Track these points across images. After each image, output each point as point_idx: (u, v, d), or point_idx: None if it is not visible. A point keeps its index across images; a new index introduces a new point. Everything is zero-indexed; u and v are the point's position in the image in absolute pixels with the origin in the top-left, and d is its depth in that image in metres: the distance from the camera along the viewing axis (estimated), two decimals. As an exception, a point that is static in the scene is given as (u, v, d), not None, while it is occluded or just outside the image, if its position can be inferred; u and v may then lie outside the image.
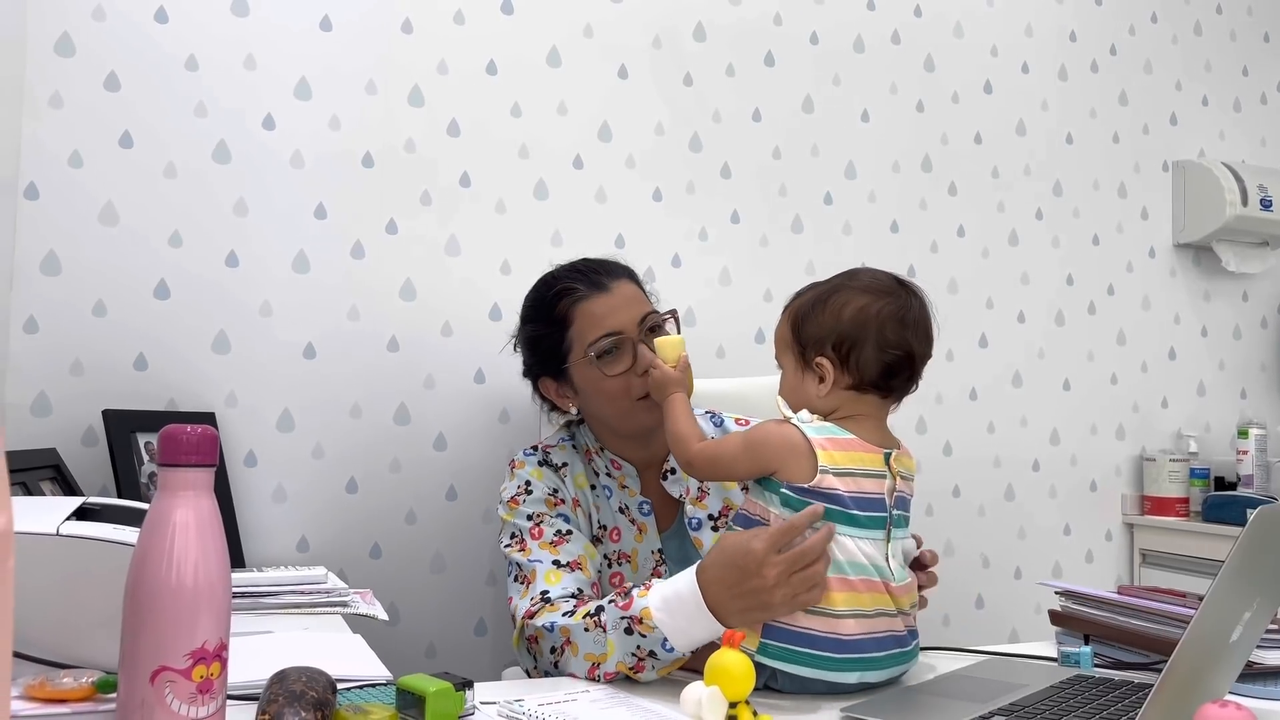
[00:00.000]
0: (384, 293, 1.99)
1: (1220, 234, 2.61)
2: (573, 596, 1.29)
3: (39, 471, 1.60)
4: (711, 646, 1.09)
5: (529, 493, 1.41)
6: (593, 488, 1.47)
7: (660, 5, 2.22)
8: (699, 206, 2.23)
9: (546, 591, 1.29)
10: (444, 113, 2.05)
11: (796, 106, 2.32)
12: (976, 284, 2.46)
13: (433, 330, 2.02)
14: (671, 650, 1.15)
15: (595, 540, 1.44)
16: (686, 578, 1.16)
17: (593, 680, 1.18)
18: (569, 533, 1.38)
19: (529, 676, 1.34)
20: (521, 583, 1.34)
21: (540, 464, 1.45)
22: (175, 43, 1.88)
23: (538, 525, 1.38)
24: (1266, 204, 2.60)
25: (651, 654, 1.16)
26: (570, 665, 1.21)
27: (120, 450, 1.69)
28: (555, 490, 1.43)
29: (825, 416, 1.20)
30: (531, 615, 1.27)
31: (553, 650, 1.23)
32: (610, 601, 1.20)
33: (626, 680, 1.18)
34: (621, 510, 1.46)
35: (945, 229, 2.44)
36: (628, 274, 1.49)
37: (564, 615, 1.23)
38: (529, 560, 1.34)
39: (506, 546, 1.39)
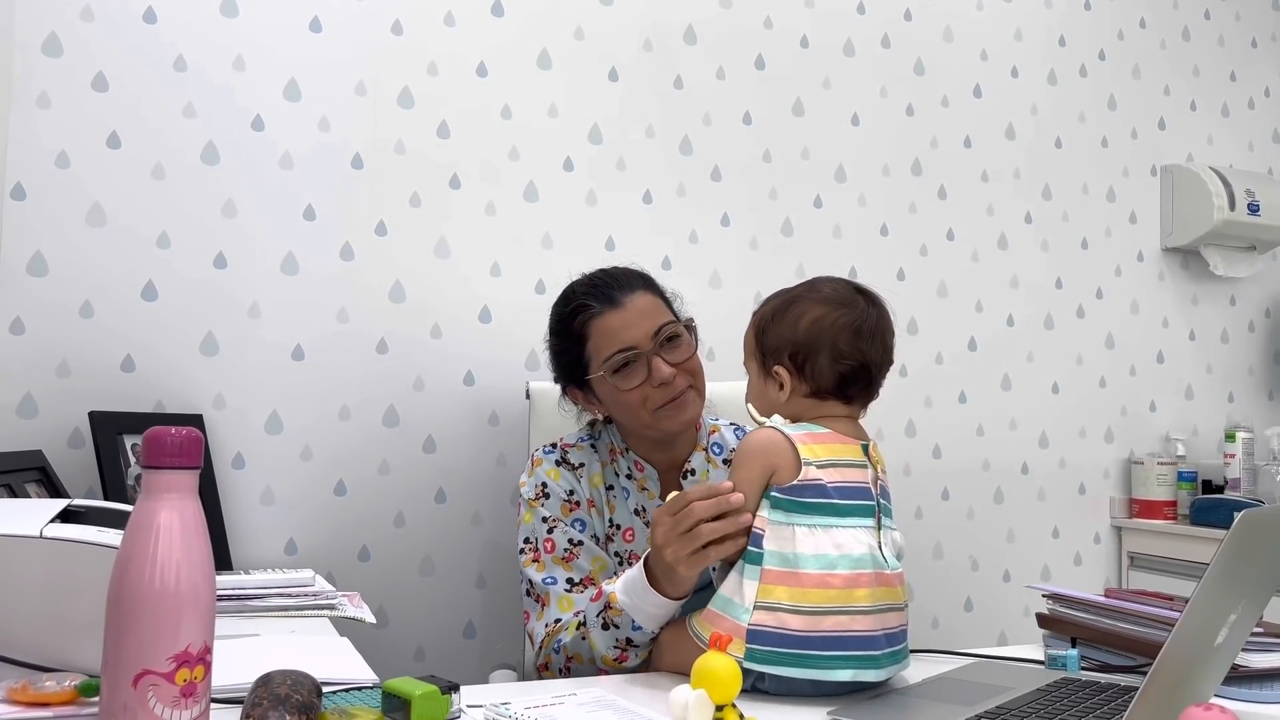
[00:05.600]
0: (373, 294, 1.99)
1: (1208, 238, 2.62)
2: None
3: (24, 473, 1.59)
4: (698, 649, 1.09)
5: (546, 496, 1.46)
6: (609, 488, 1.50)
7: (651, 8, 2.22)
8: (689, 209, 2.23)
9: (560, 620, 1.36)
10: (434, 114, 2.04)
11: (787, 110, 2.33)
12: (966, 287, 2.47)
13: (422, 332, 2.01)
14: (640, 629, 1.21)
15: (607, 539, 1.47)
16: (640, 559, 1.23)
17: (603, 674, 1.26)
18: (580, 543, 1.42)
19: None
20: (536, 600, 1.40)
21: (558, 463, 1.49)
22: (164, 43, 1.87)
23: (550, 533, 1.43)
24: (1254, 208, 2.61)
25: (630, 641, 1.23)
26: (583, 674, 1.29)
27: (107, 452, 1.68)
28: (571, 492, 1.46)
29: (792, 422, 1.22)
30: (543, 643, 1.35)
31: (560, 672, 1.32)
32: (590, 601, 1.28)
33: (614, 683, 1.18)
34: (637, 512, 1.49)
35: (935, 232, 2.45)
36: (644, 284, 1.50)
37: (564, 631, 1.31)
38: (543, 579, 1.40)
39: (521, 553, 1.44)
